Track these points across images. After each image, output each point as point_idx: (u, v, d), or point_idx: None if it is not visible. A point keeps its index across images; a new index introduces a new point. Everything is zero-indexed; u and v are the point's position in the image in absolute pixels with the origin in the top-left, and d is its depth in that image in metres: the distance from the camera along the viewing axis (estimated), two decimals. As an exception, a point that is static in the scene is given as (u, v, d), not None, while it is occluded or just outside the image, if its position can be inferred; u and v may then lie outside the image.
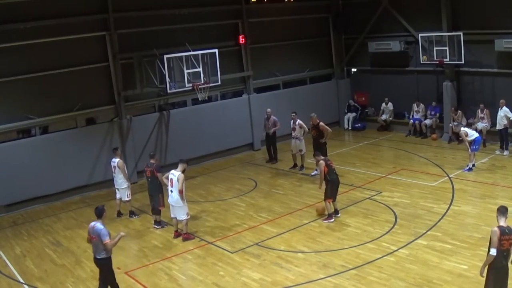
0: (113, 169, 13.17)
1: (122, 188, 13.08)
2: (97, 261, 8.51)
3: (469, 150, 14.56)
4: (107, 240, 8.23)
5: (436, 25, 18.11)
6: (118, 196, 13.27)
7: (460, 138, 15.43)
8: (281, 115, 17.78)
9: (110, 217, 13.44)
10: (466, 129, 14.97)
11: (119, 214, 13.41)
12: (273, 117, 17.11)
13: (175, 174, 11.31)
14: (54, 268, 10.51)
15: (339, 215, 12.11)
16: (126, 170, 13.10)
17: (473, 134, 14.69)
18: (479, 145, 14.89)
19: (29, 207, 14.67)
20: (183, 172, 11.34)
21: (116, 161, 13.02)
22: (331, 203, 11.93)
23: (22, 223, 13.56)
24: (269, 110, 17.23)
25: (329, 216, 11.92)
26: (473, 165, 14.74)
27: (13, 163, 14.25)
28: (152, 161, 12.39)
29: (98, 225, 8.33)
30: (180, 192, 11.17)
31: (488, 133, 17.07)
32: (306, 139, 16.22)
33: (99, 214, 8.45)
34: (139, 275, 10.04)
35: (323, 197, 12.05)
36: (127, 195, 13.13)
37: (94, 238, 8.36)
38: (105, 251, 8.36)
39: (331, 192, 11.83)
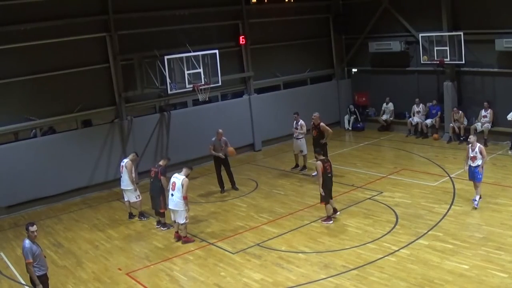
0: (121, 169, 13.07)
1: (129, 189, 12.95)
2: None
3: (481, 174, 11.92)
4: (27, 260, 7.95)
5: (437, 25, 18.10)
6: (125, 198, 13.18)
7: (474, 154, 11.93)
8: (282, 116, 17.78)
9: (120, 219, 13.53)
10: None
11: (131, 215, 13.31)
12: (224, 138, 14.84)
13: (179, 178, 11.22)
14: (55, 269, 10.49)
15: (339, 213, 12.10)
16: (133, 172, 12.93)
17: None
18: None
19: (30, 209, 14.69)
20: (187, 176, 11.29)
21: (125, 161, 12.93)
22: (328, 204, 11.90)
23: (23, 225, 13.40)
24: (220, 130, 14.83)
25: (328, 218, 11.91)
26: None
27: (14, 164, 14.27)
28: (160, 162, 12.38)
29: (25, 243, 8.06)
30: (185, 198, 11.12)
31: (489, 133, 17.06)
32: (307, 139, 16.19)
33: (26, 230, 8.17)
34: (141, 276, 10.05)
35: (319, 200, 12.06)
36: (136, 196, 13.00)
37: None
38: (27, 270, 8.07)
39: (324, 194, 11.76)
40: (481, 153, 11.87)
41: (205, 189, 15.37)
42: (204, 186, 15.70)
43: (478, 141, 17.01)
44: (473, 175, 11.93)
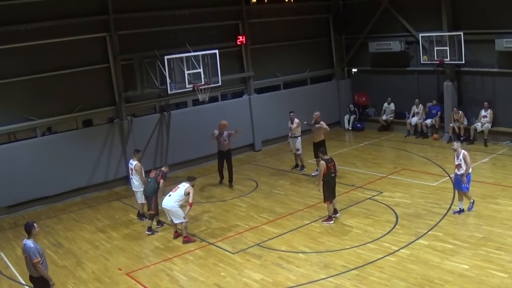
0: (130, 171, 13.07)
1: (139, 191, 12.92)
2: (31, 280, 8.17)
3: (465, 185, 11.37)
4: (35, 259, 7.84)
5: (437, 25, 18.10)
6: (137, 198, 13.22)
7: (459, 162, 11.40)
8: (282, 116, 17.74)
9: (120, 219, 13.53)
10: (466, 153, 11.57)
11: (139, 214, 13.33)
12: (227, 132, 15.15)
13: (184, 185, 11.31)
14: (55, 269, 10.48)
15: (338, 214, 12.07)
16: (143, 173, 12.93)
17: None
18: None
19: (30, 209, 14.68)
20: (192, 186, 11.40)
21: (134, 163, 12.88)
22: (330, 204, 11.90)
23: (23, 225, 13.43)
24: (224, 122, 15.21)
25: (329, 217, 11.90)
26: (465, 208, 11.71)
27: (14, 164, 14.26)
28: (163, 168, 12.42)
29: (28, 243, 7.96)
30: (190, 204, 11.23)
31: (489, 133, 17.07)
32: (306, 140, 16.20)
33: (28, 230, 8.07)
34: (140, 276, 10.05)
35: (322, 199, 12.06)
36: (144, 198, 13.01)
37: (26, 257, 8.00)
38: (35, 271, 7.98)
39: (327, 193, 11.79)
40: (465, 160, 11.27)
41: (205, 189, 15.37)
42: (204, 186, 15.70)
43: (478, 140, 17.27)
44: (459, 184, 11.42)
